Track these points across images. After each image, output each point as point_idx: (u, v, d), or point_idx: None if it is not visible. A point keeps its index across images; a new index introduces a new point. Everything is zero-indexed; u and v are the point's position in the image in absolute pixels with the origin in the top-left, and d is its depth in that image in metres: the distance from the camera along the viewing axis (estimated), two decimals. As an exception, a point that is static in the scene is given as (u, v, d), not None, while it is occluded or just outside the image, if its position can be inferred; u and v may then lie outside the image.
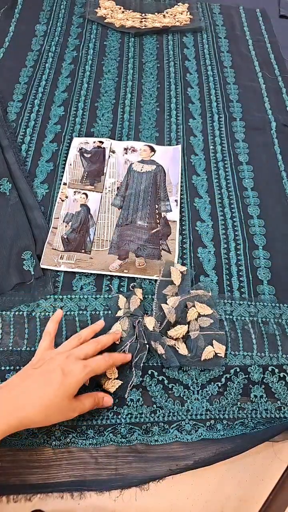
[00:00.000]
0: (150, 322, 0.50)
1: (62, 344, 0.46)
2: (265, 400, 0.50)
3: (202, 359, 0.49)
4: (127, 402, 0.48)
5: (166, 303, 0.52)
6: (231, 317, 0.55)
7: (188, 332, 0.51)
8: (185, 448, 0.47)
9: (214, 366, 0.50)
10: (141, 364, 0.49)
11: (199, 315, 0.52)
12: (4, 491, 0.45)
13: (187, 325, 0.51)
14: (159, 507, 0.49)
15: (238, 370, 0.51)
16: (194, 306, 0.52)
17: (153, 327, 0.50)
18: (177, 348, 0.49)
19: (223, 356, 0.50)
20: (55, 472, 0.45)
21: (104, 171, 0.67)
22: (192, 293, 0.53)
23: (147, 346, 0.50)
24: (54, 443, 0.46)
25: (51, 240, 0.59)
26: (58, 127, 0.73)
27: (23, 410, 0.39)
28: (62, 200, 0.63)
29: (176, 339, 0.50)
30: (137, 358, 0.49)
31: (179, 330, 0.50)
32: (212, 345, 0.50)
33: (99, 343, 0.46)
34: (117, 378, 0.48)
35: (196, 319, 0.52)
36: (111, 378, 0.48)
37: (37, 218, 0.61)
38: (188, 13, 0.95)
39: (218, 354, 0.50)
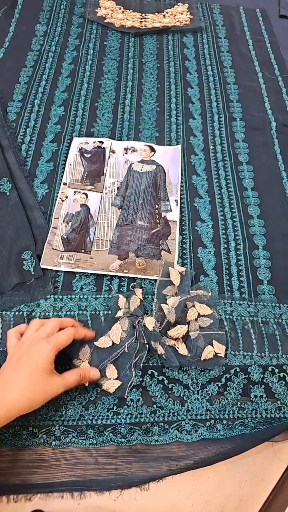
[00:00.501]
0: (150, 322, 0.50)
1: (25, 332, 0.47)
2: (265, 400, 0.50)
3: (202, 359, 0.49)
4: (127, 402, 0.48)
5: (166, 303, 0.52)
6: (231, 317, 0.55)
7: (188, 332, 0.51)
8: (185, 448, 0.47)
9: (214, 366, 0.50)
10: (141, 364, 0.49)
11: (199, 315, 0.52)
12: (4, 491, 0.45)
13: (187, 325, 0.51)
14: (159, 507, 0.49)
15: (238, 370, 0.51)
16: (194, 306, 0.52)
17: (153, 327, 0.50)
18: (177, 348, 0.49)
19: (223, 356, 0.50)
20: (55, 472, 0.45)
21: (104, 171, 0.67)
22: (192, 293, 0.53)
23: (147, 346, 0.50)
24: (54, 443, 0.46)
25: (51, 240, 0.59)
26: (58, 127, 0.73)
27: (6, 403, 0.40)
28: (62, 200, 0.63)
29: (176, 339, 0.50)
30: (136, 358, 0.49)
31: (179, 330, 0.50)
32: (212, 345, 0.50)
33: (58, 320, 0.47)
34: (116, 378, 0.48)
35: (196, 319, 0.52)
36: (110, 378, 0.48)
37: (37, 218, 0.61)
38: (188, 13, 0.95)
39: (218, 354, 0.50)
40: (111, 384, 0.48)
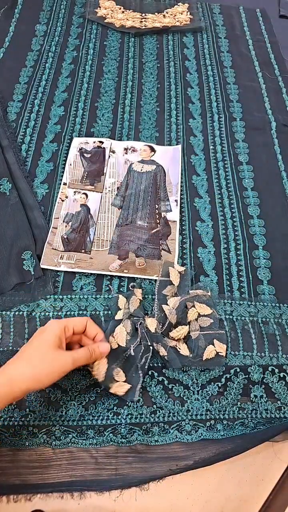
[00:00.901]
0: (151, 324, 0.50)
1: None
2: (265, 400, 0.50)
3: (204, 359, 0.49)
4: (127, 403, 0.48)
5: (167, 304, 0.52)
6: (231, 317, 0.55)
7: (189, 332, 0.51)
8: (185, 448, 0.47)
9: (216, 365, 0.50)
10: (146, 366, 0.49)
11: (199, 315, 0.52)
12: (4, 491, 0.45)
13: (188, 326, 0.51)
14: (159, 507, 0.49)
15: (238, 370, 0.51)
16: (194, 306, 0.52)
17: (155, 329, 0.50)
18: (178, 349, 0.49)
19: (224, 355, 0.50)
20: (55, 472, 0.45)
21: (104, 171, 0.67)
22: (192, 293, 0.53)
23: (151, 347, 0.50)
24: (54, 443, 0.46)
25: (51, 240, 0.59)
26: (58, 127, 0.73)
27: (9, 372, 0.40)
28: (62, 200, 0.63)
29: (177, 340, 0.50)
30: (142, 360, 0.49)
31: (181, 331, 0.50)
32: (213, 344, 0.50)
33: None
34: (124, 381, 0.48)
35: (196, 319, 0.52)
36: (118, 381, 0.48)
37: (37, 218, 0.61)
38: (188, 13, 0.95)
39: (219, 353, 0.50)
40: (120, 387, 0.47)
